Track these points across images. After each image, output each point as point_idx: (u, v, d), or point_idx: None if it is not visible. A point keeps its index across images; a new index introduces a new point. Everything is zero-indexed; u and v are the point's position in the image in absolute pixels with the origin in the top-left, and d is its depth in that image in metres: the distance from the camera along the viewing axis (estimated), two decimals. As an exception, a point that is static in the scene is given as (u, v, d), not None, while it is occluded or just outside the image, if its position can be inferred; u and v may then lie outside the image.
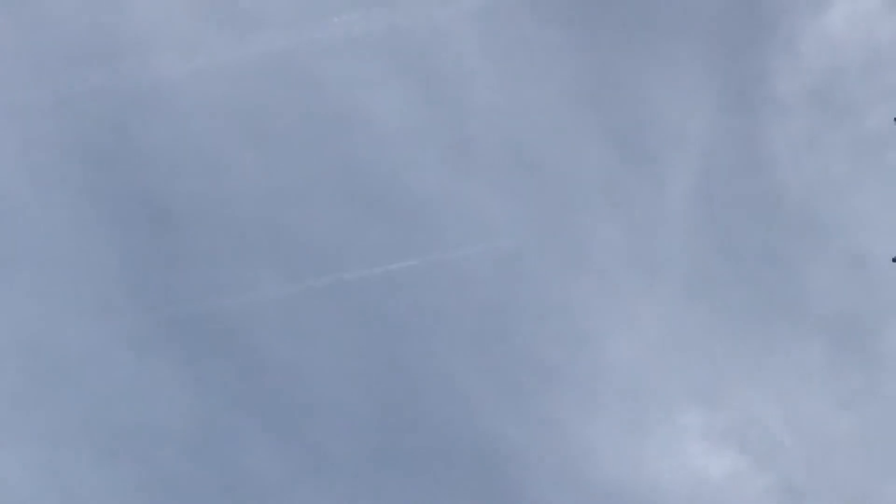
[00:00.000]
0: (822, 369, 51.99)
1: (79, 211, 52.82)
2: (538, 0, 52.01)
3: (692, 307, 52.79)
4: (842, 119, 52.01)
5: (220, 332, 52.82)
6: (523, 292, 53.30)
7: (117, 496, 50.09)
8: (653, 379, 52.32)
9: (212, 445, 51.57)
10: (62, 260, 52.75)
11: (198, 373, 52.39)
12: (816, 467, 50.65)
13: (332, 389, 52.73)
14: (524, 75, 52.87)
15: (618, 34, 52.59)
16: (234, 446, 51.49)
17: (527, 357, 52.74)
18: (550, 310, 52.93)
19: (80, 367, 51.86)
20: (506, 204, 53.31)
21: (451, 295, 53.24)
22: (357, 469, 51.55)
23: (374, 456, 51.77)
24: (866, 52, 51.45)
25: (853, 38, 51.32)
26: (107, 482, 50.21)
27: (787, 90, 52.03)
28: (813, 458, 50.89)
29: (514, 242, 53.00)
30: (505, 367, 52.78)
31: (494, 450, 51.50)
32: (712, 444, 51.68)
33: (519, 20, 52.22)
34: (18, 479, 49.83)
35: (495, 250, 53.02)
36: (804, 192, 52.57)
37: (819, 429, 51.38)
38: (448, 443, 52.06)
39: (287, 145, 53.18)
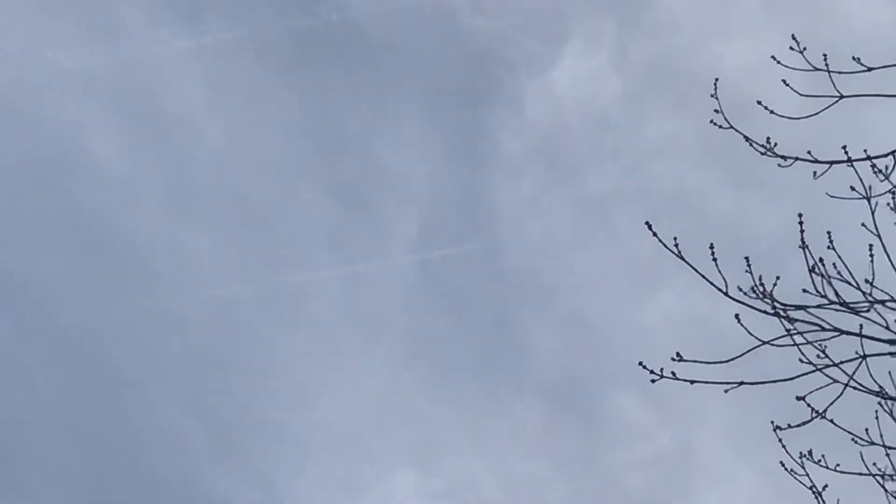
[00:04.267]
0: (540, 433, 51.15)
1: None
2: (264, 45, 50.76)
3: (410, 366, 51.77)
4: (566, 179, 51.31)
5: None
6: (241, 345, 52.03)
7: None
8: (367, 438, 51.19)
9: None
10: None
11: None
12: (530, 532, 49.86)
13: (45, 437, 51.16)
14: (249, 121, 51.63)
15: (344, 84, 51.53)
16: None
17: (242, 411, 51.36)
18: (267, 363, 51.68)
19: None
20: (226, 254, 52.03)
21: (168, 344, 51.82)
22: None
23: (84, 507, 50.32)
24: (591, 112, 50.77)
25: (578, 97, 50.62)
26: None
27: (511, 148, 51.19)
28: (526, 522, 50.09)
29: (233, 293, 51.71)
30: (220, 420, 51.36)
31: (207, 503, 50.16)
32: (425, 505, 50.65)
33: (243, 64, 50.98)
34: None
35: (214, 300, 51.66)
36: (527, 252, 51.75)
37: (534, 493, 50.51)
38: (162, 496, 50.67)
39: (0, 186, 51.44)
